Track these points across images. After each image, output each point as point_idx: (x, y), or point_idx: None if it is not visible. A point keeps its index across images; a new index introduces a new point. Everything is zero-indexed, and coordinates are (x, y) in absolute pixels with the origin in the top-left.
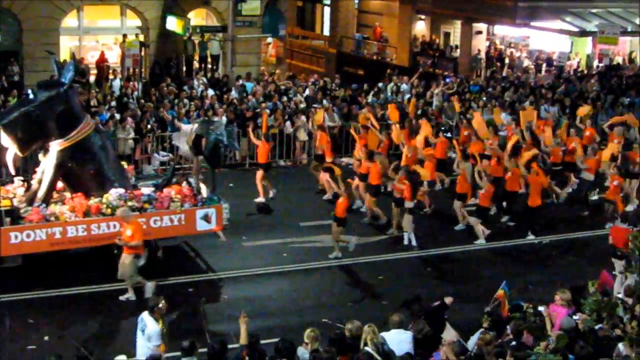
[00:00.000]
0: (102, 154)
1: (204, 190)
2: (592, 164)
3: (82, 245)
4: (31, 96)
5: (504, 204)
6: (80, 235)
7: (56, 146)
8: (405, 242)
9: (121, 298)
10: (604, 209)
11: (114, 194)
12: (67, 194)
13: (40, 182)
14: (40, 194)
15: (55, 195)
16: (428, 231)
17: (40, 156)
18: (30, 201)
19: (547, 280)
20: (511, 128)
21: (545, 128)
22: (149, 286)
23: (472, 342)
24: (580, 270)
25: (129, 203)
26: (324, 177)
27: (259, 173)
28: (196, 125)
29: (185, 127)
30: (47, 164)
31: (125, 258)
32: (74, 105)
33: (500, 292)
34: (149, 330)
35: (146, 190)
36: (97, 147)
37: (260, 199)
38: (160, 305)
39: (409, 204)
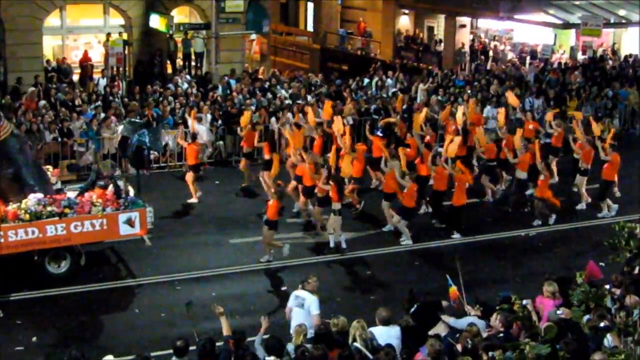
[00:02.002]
0: (20, 158)
1: (132, 193)
2: (525, 160)
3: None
4: None
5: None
6: None
7: None
8: (331, 245)
9: None
10: (533, 207)
11: (32, 199)
12: None
13: None
14: None
15: None
16: (415, 225)
17: None
18: None
19: (534, 272)
20: (450, 123)
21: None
22: None
23: (461, 324)
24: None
25: (49, 208)
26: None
27: (189, 175)
28: (121, 126)
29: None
30: None
31: None
32: None
33: (452, 290)
34: (308, 302)
35: (72, 194)
36: (15, 151)
37: (194, 200)
38: (311, 281)
39: (336, 206)
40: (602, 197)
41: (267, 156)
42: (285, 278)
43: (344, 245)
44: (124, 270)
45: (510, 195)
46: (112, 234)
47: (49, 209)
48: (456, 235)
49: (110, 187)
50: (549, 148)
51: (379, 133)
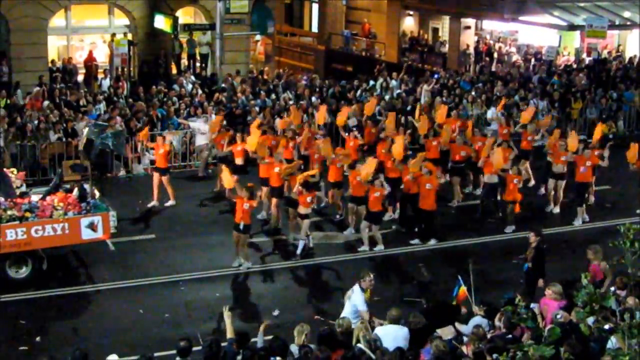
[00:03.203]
0: None
1: (97, 196)
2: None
3: None
4: None
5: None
6: None
7: None
8: (298, 251)
9: None
10: (504, 210)
11: None
12: None
13: None
14: None
15: None
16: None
17: None
18: None
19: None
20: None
21: (446, 127)
22: None
23: (467, 329)
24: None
25: (9, 212)
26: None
27: (165, 178)
28: (87, 129)
29: (194, 125)
30: None
31: None
32: None
33: (462, 291)
34: (354, 297)
35: (36, 198)
36: None
37: (172, 202)
38: (366, 279)
39: (305, 210)
40: (579, 201)
41: (238, 160)
42: (287, 278)
43: (310, 245)
44: (128, 271)
45: (488, 201)
46: (74, 238)
47: (9, 212)
48: (432, 242)
49: (75, 191)
50: (520, 152)
51: (353, 134)
